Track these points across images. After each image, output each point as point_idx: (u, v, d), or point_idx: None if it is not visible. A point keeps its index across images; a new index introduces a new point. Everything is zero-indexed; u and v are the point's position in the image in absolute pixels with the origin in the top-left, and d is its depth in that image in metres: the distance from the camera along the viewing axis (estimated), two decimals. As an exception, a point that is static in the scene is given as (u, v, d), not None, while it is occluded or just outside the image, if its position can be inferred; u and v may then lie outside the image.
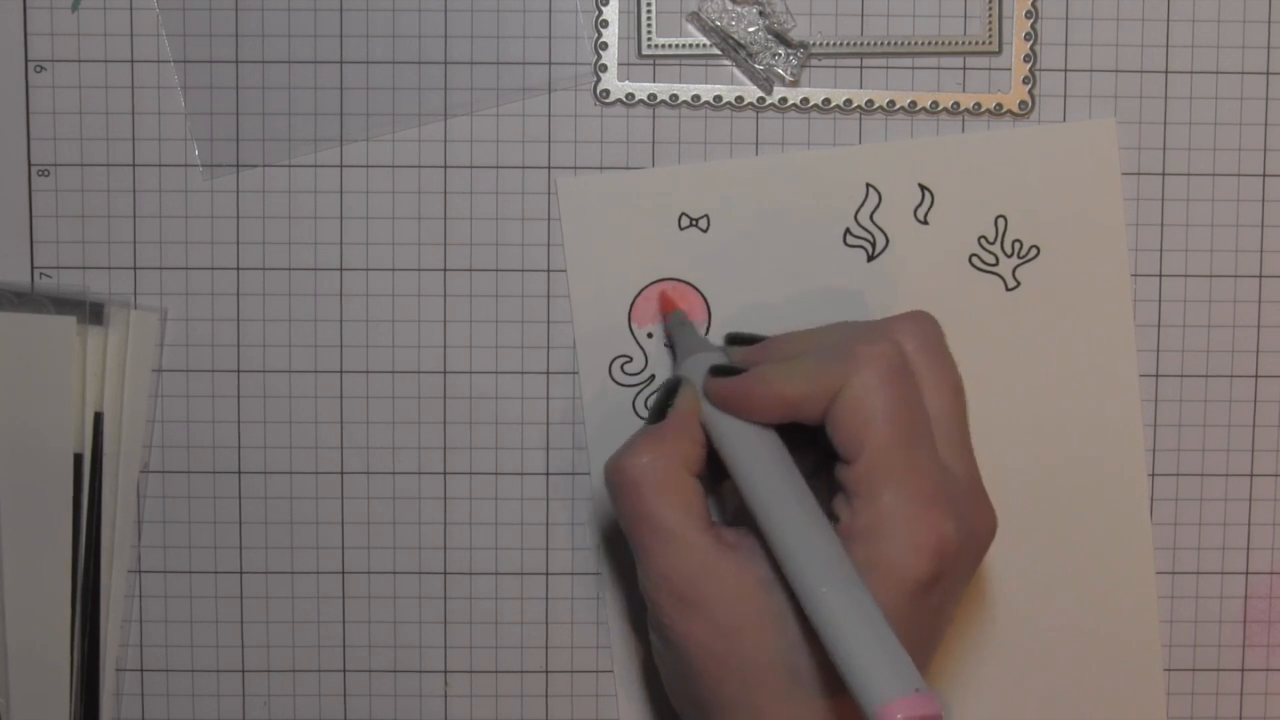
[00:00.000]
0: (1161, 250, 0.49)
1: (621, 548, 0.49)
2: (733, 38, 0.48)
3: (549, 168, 0.49)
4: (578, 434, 0.49)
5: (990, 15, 0.49)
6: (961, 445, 0.41)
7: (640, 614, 0.50)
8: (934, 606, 0.39)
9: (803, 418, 0.40)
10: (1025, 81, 0.49)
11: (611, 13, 0.48)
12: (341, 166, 0.49)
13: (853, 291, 0.49)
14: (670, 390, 0.43)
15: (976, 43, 0.49)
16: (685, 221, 0.49)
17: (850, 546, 0.38)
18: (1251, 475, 0.50)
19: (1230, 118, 0.49)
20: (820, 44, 0.48)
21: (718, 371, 0.42)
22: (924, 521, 0.38)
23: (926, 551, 0.38)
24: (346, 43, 0.48)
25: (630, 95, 0.49)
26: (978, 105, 0.49)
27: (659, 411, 0.43)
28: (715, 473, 0.43)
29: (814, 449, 0.42)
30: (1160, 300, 0.50)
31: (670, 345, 0.49)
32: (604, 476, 0.42)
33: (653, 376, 0.49)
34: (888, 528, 0.38)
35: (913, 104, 0.49)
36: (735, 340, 0.45)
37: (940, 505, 0.38)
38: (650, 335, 0.49)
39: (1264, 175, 0.49)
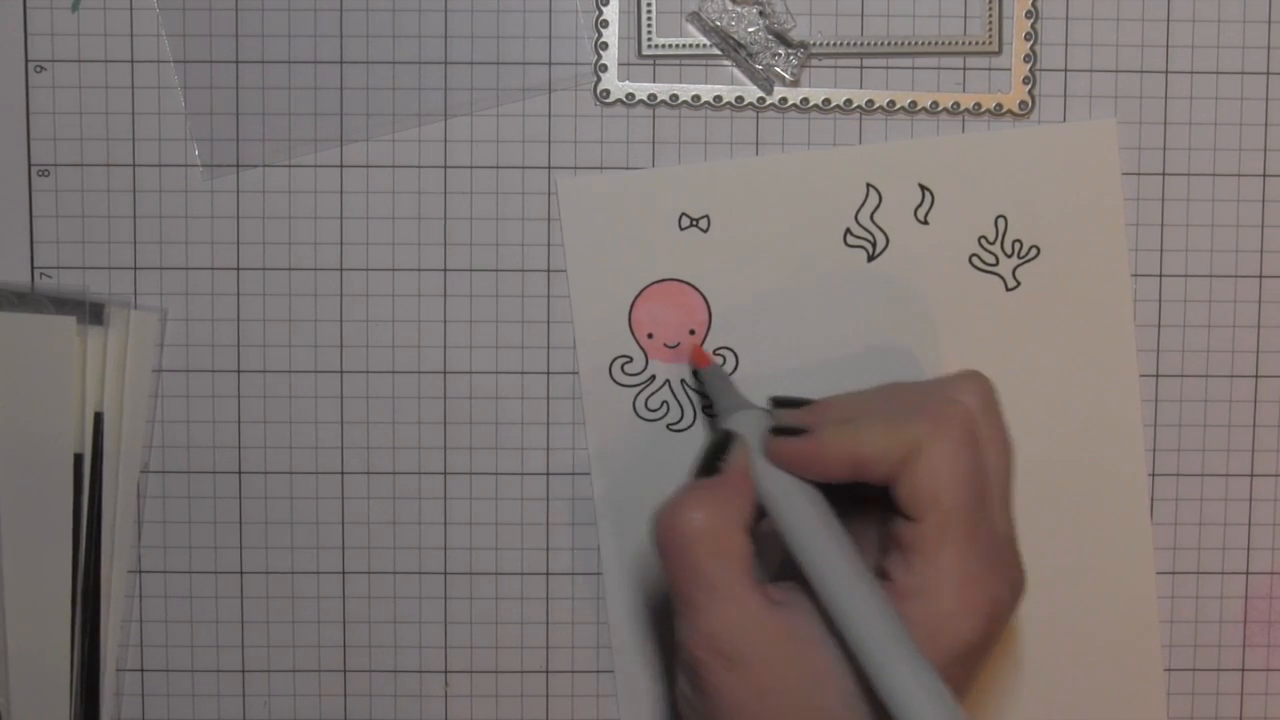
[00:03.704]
0: (1161, 250, 0.49)
1: (622, 548, 0.49)
2: (733, 38, 0.48)
3: (549, 168, 0.49)
4: (578, 434, 0.49)
5: (990, 15, 0.49)
6: (1007, 506, 0.41)
7: (640, 615, 0.50)
8: (970, 668, 0.39)
9: (869, 477, 0.40)
10: (1025, 81, 0.49)
11: (611, 13, 0.48)
12: (341, 166, 0.49)
13: (853, 291, 0.49)
14: (719, 445, 0.42)
15: (976, 43, 0.49)
16: (685, 221, 0.49)
17: (904, 604, 0.38)
18: (1251, 475, 0.50)
19: (1230, 118, 0.49)
20: (820, 44, 0.48)
21: (779, 432, 0.41)
22: (981, 585, 0.38)
23: (981, 616, 0.38)
24: (346, 43, 0.48)
25: (630, 95, 0.48)
26: (978, 105, 0.49)
27: (709, 466, 0.42)
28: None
29: (855, 508, 0.42)
30: (1160, 300, 0.50)
31: (701, 393, 0.49)
32: (652, 530, 0.40)
33: (652, 377, 0.49)
34: (947, 589, 0.38)
35: (913, 104, 0.49)
36: (781, 403, 0.44)
37: (997, 570, 0.39)
38: (650, 336, 0.49)
39: (1264, 175, 0.49)
